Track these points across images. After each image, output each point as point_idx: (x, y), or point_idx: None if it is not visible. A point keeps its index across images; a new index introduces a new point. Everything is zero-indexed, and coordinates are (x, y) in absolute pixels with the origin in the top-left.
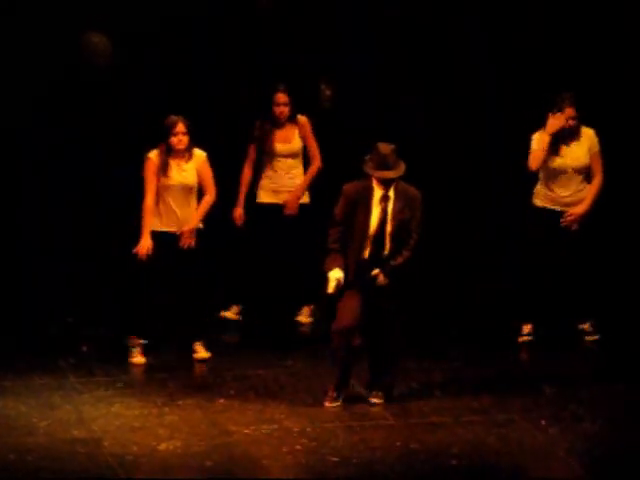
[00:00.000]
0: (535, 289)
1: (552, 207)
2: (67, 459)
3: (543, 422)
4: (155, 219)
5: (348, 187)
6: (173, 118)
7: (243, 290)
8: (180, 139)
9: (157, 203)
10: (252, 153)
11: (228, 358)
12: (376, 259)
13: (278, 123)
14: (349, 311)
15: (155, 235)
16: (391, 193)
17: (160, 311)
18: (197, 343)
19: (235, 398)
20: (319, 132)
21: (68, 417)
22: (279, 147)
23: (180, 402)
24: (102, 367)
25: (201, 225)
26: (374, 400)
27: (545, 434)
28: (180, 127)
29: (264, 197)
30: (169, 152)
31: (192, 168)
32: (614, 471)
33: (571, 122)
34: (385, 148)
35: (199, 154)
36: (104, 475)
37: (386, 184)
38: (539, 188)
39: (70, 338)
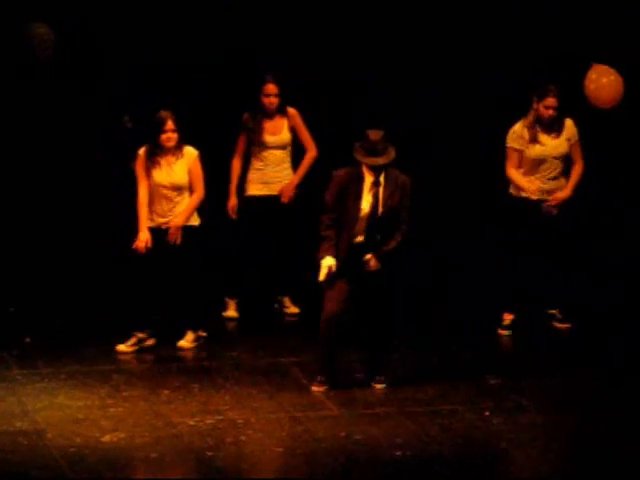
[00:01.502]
0: (516, 277)
1: (528, 195)
2: (10, 451)
3: (487, 413)
4: (148, 216)
5: (338, 173)
6: (162, 115)
7: (239, 284)
8: (169, 137)
9: (150, 199)
10: (241, 145)
11: (172, 349)
12: (368, 244)
13: (267, 114)
14: (335, 301)
15: (152, 232)
16: (382, 179)
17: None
18: (188, 332)
19: (179, 390)
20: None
21: (11, 409)
22: (269, 139)
23: (124, 393)
24: (45, 359)
25: (197, 222)
26: (377, 386)
27: (489, 425)
28: (169, 124)
29: (254, 189)
30: (159, 149)
31: (183, 166)
32: (556, 461)
33: (551, 112)
34: (375, 134)
35: (190, 152)
36: (47, 467)
37: (376, 170)
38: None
39: (13, 330)
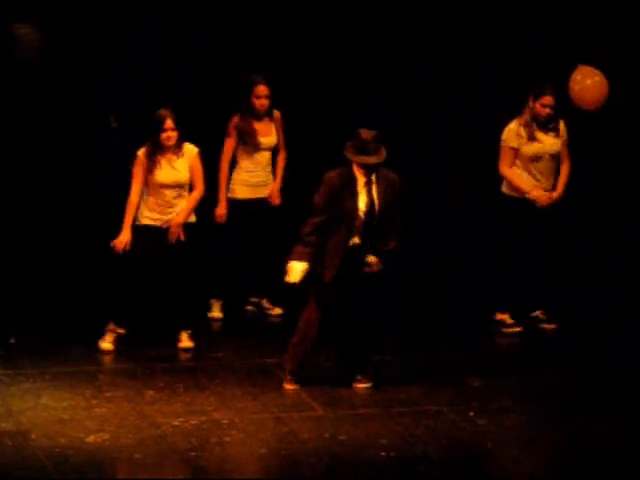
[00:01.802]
0: (515, 277)
1: (520, 195)
2: None
3: (471, 414)
4: (149, 214)
5: (330, 176)
6: (162, 113)
7: (224, 285)
8: (169, 135)
9: (150, 198)
10: (231, 148)
11: (157, 350)
12: (367, 245)
13: (258, 116)
14: (322, 307)
15: (148, 229)
16: (373, 178)
17: (145, 305)
18: (183, 332)
19: (164, 390)
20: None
21: None
22: (262, 140)
23: (109, 394)
24: (30, 359)
25: (193, 219)
26: (362, 385)
27: (473, 425)
28: (169, 123)
29: (243, 192)
30: (159, 148)
31: (184, 164)
32: (541, 462)
33: (548, 110)
34: (366, 133)
35: (190, 149)
36: (32, 467)
37: (368, 170)
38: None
39: None
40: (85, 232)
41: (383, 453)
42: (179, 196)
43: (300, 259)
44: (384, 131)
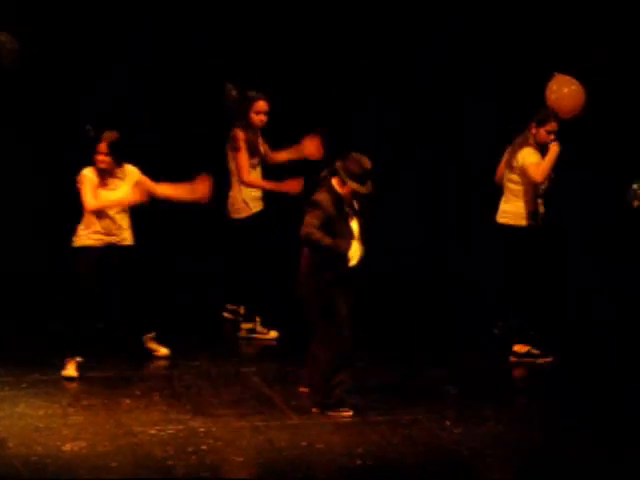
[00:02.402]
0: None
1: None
2: None
3: (448, 423)
4: (94, 236)
5: (323, 199)
6: (104, 134)
7: (242, 291)
8: (102, 159)
9: (95, 219)
10: (247, 160)
11: (133, 358)
12: (360, 263)
13: (255, 131)
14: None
15: (96, 251)
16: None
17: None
18: (150, 339)
19: (140, 398)
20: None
21: None
22: (266, 154)
23: (85, 402)
24: (6, 367)
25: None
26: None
27: (450, 434)
28: (102, 147)
29: (256, 206)
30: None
31: (127, 187)
32: (518, 471)
33: (552, 137)
34: (367, 161)
35: (131, 170)
36: (8, 475)
37: (359, 199)
38: (518, 207)
39: None
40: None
41: (359, 461)
42: (123, 216)
43: (345, 245)
44: (384, 131)
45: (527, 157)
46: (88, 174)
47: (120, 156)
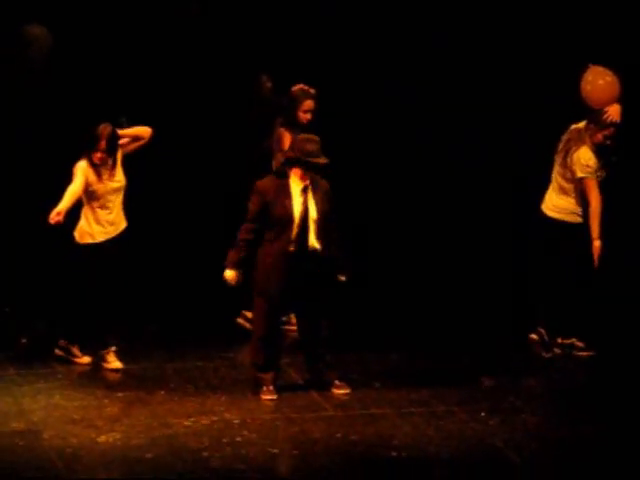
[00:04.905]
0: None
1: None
2: (6, 451)
3: (482, 414)
4: (91, 233)
5: (262, 184)
6: (100, 130)
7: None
8: (101, 157)
9: (91, 215)
10: None
11: (168, 350)
12: (302, 251)
13: (299, 129)
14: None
15: (98, 247)
16: (309, 184)
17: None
18: (109, 352)
19: (175, 390)
20: None
21: (8, 409)
22: None
23: (120, 394)
24: (42, 359)
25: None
26: (342, 391)
27: (484, 425)
28: (102, 145)
29: None
30: (92, 164)
31: (119, 170)
32: (551, 463)
33: (610, 141)
34: (314, 136)
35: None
36: (43, 467)
37: (317, 172)
38: (569, 203)
39: (9, 330)
40: None
41: (394, 453)
42: (118, 202)
43: (232, 267)
44: (384, 131)
45: (582, 157)
46: (83, 165)
47: (115, 147)
